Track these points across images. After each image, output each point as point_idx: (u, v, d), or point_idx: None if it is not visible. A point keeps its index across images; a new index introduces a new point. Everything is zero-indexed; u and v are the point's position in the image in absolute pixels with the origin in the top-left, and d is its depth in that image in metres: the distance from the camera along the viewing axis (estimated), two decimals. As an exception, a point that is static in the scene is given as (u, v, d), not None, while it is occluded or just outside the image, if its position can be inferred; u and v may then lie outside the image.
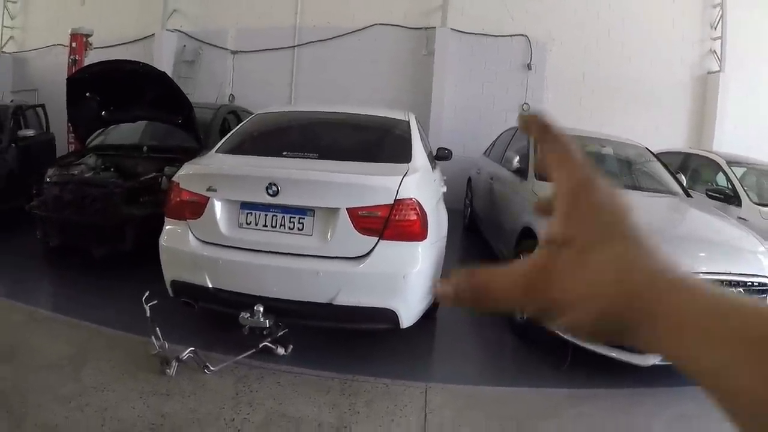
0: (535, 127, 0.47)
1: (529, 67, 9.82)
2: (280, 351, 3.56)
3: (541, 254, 0.43)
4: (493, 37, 9.84)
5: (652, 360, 3.64)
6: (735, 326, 0.36)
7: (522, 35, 9.80)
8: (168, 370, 3.22)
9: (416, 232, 3.40)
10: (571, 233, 0.42)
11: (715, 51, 10.18)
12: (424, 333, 4.16)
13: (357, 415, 3.03)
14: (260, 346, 3.49)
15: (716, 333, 0.36)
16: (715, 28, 10.11)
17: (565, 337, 3.80)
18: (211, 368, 3.29)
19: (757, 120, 10.23)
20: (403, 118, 4.67)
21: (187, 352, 3.30)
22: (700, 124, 10.31)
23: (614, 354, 3.70)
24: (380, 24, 9.99)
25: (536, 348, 4.15)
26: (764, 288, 3.91)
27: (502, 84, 9.93)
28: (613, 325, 0.40)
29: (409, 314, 3.48)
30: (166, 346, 3.30)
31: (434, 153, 5.46)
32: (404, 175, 3.45)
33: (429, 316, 3.98)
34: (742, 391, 0.35)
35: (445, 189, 4.70)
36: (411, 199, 3.36)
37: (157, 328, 3.31)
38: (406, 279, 3.37)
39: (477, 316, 4.66)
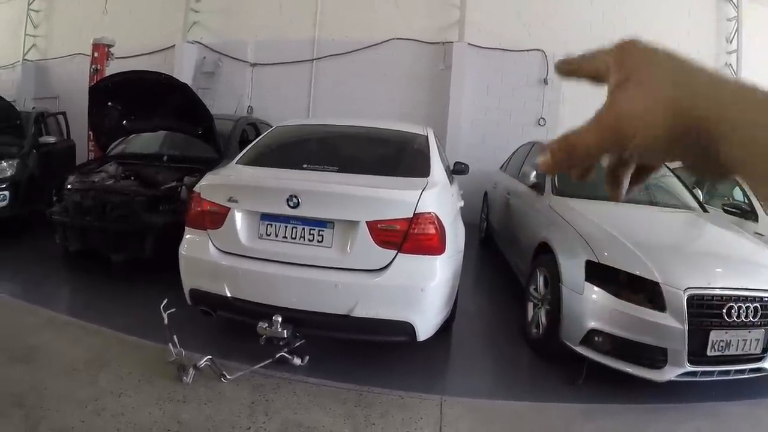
0: (567, 67, 0.57)
1: (545, 81, 9.83)
2: (297, 361, 3.58)
3: (605, 102, 0.50)
4: (510, 52, 9.86)
5: (668, 375, 3.64)
6: None
7: (538, 50, 9.82)
8: (185, 378, 3.24)
9: (435, 245, 3.42)
10: (624, 75, 0.48)
11: (730, 64, 10.21)
12: (439, 345, 4.17)
13: (372, 426, 3.03)
14: (277, 356, 3.51)
15: None
16: (731, 42, 10.12)
17: (581, 351, 3.83)
18: (228, 377, 3.32)
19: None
20: (422, 133, 4.71)
21: (204, 360, 3.33)
22: (717, 139, 10.25)
23: (630, 369, 3.70)
24: (398, 38, 10.05)
25: (552, 363, 4.15)
26: (781, 304, 3.88)
27: (518, 98, 9.94)
28: (683, 128, 0.45)
29: (425, 327, 3.49)
30: (183, 353, 3.34)
31: (451, 167, 5.48)
32: (423, 189, 3.47)
33: (445, 328, 3.99)
34: None
35: (462, 203, 4.72)
36: (430, 213, 3.39)
37: (175, 336, 3.36)
38: (423, 292, 3.39)
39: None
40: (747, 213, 6.27)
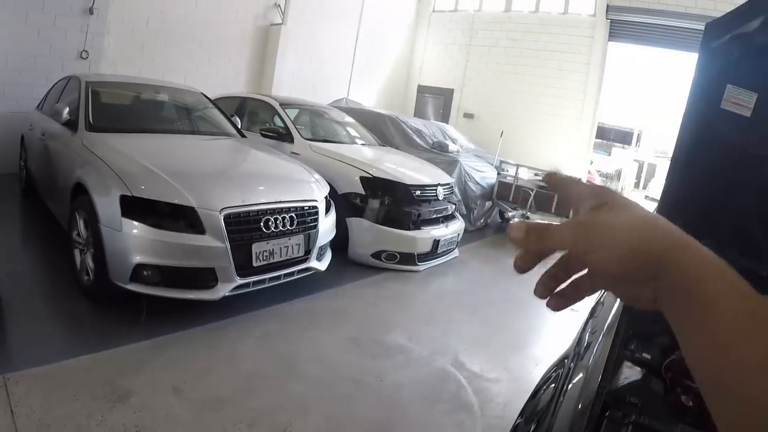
0: (558, 182, 0.65)
1: (91, 11, 9.12)
2: None
3: (581, 216, 0.58)
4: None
5: (222, 292, 4.02)
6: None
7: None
8: None
9: None
10: (604, 200, 0.56)
11: (279, 5, 11.62)
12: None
13: None
14: None
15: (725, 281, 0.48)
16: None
17: (133, 288, 3.90)
18: None
19: (311, 68, 12.45)
20: None
21: None
22: (261, 70, 11.73)
23: (185, 295, 4.00)
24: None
25: (111, 307, 4.17)
26: (315, 211, 4.63)
27: (60, 29, 8.97)
28: (639, 263, 0.51)
29: None
30: None
31: None
32: None
33: None
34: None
35: None
36: None
37: None
38: None
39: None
40: (284, 136, 7.10)
